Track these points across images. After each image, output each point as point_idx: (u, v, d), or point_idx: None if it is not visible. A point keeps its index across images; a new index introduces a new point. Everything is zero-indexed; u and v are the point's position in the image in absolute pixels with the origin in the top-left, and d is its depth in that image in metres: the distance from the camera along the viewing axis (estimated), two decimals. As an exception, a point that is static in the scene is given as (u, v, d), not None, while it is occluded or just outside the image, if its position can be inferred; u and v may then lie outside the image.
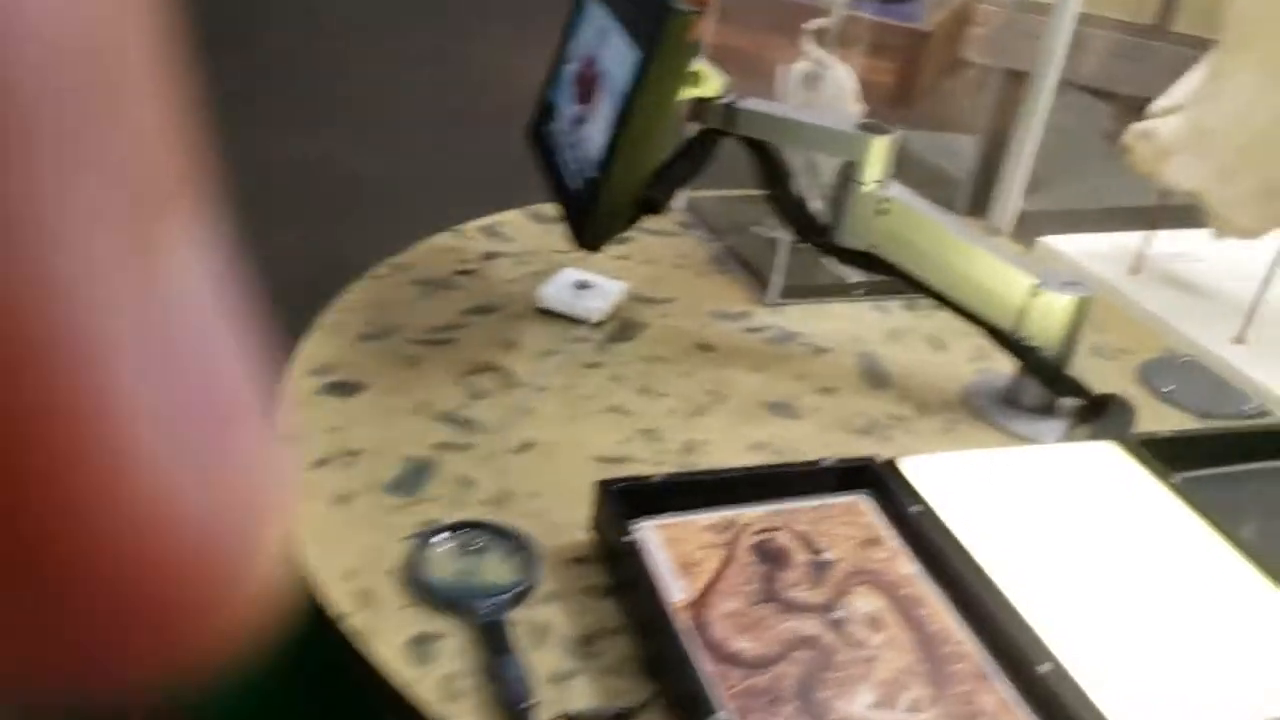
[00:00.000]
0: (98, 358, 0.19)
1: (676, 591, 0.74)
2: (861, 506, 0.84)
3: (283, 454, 0.24)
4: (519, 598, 0.76)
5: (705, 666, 0.69)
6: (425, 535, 0.80)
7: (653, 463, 0.91)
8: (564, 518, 0.82)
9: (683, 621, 0.72)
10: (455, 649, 0.72)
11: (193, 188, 0.21)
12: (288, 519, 0.23)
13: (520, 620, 0.75)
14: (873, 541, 0.81)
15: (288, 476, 0.24)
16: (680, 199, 1.33)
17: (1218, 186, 1.26)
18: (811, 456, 0.94)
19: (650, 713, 0.69)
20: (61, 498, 0.19)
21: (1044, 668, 0.70)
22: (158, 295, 0.20)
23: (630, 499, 0.80)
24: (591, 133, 0.96)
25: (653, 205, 0.98)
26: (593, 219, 0.95)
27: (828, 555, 0.79)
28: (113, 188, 0.19)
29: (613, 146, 0.93)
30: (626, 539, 0.76)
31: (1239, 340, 1.21)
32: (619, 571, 0.77)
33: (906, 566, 0.79)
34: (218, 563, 0.21)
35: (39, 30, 0.18)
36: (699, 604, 0.73)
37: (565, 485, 0.87)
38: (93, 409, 0.19)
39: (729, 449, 0.94)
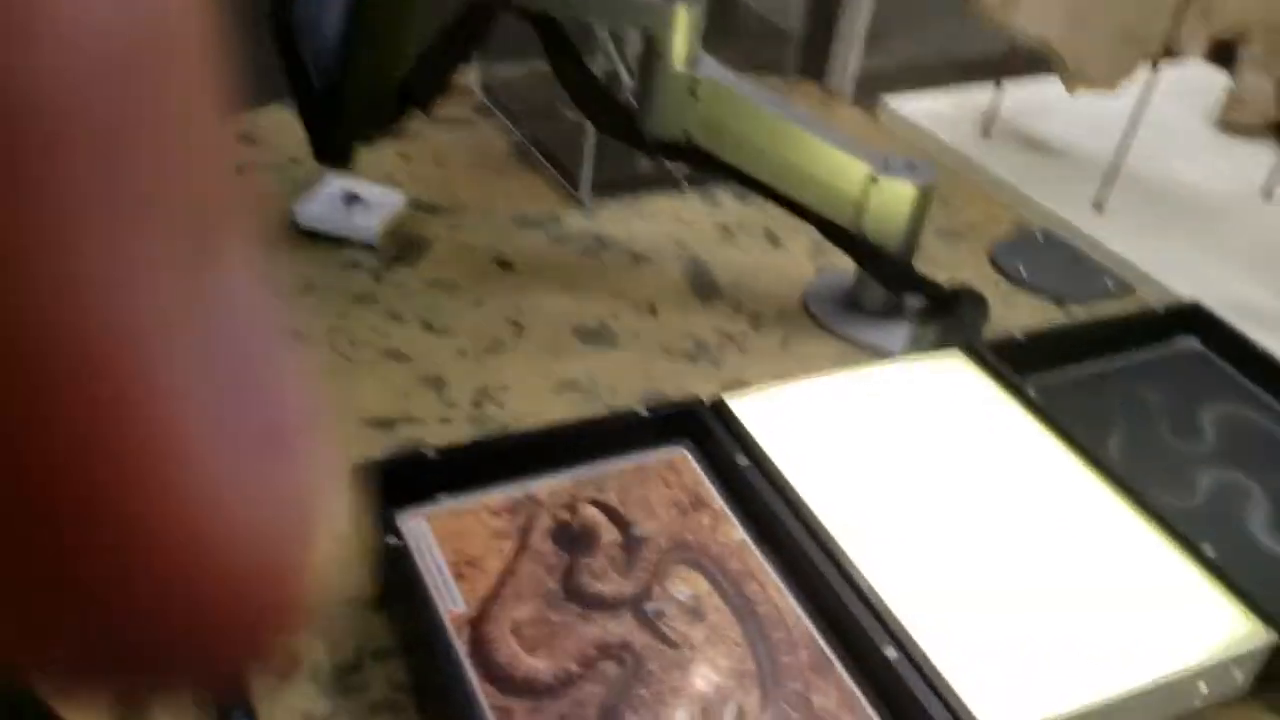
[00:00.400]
0: (154, 372, 0.19)
1: (453, 601, 0.61)
2: (683, 462, 0.71)
3: (328, 474, 0.24)
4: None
5: (485, 702, 0.56)
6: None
7: (437, 421, 0.77)
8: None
9: (460, 641, 0.59)
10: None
11: (245, 204, 0.22)
12: (329, 538, 0.24)
13: (267, 650, 0.61)
14: (695, 505, 0.68)
15: (331, 496, 0.24)
16: (471, 77, 1.15)
17: (1069, 33, 1.14)
18: (631, 392, 0.81)
19: (427, 759, 0.57)
20: (121, 512, 0.19)
21: (889, 652, 0.59)
22: (212, 311, 0.21)
23: (397, 483, 0.66)
24: (329, 14, 0.78)
25: (415, 99, 0.81)
26: (335, 122, 0.77)
27: (641, 530, 0.66)
28: (165, 207, 0.20)
29: (354, 26, 0.75)
30: (389, 541, 0.62)
31: (1097, 206, 1.10)
32: (384, 579, 0.63)
33: (733, 533, 0.67)
34: (264, 577, 0.23)
35: (75, 38, 0.18)
36: (481, 617, 0.60)
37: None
38: (151, 420, 0.19)
39: (531, 395, 0.80)
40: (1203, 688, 0.63)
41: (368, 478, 0.65)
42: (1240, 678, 0.65)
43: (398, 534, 0.62)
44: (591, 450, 0.70)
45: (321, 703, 0.59)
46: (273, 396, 0.23)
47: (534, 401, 0.79)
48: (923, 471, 0.72)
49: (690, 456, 0.72)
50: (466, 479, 0.68)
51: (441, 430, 0.76)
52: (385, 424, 0.76)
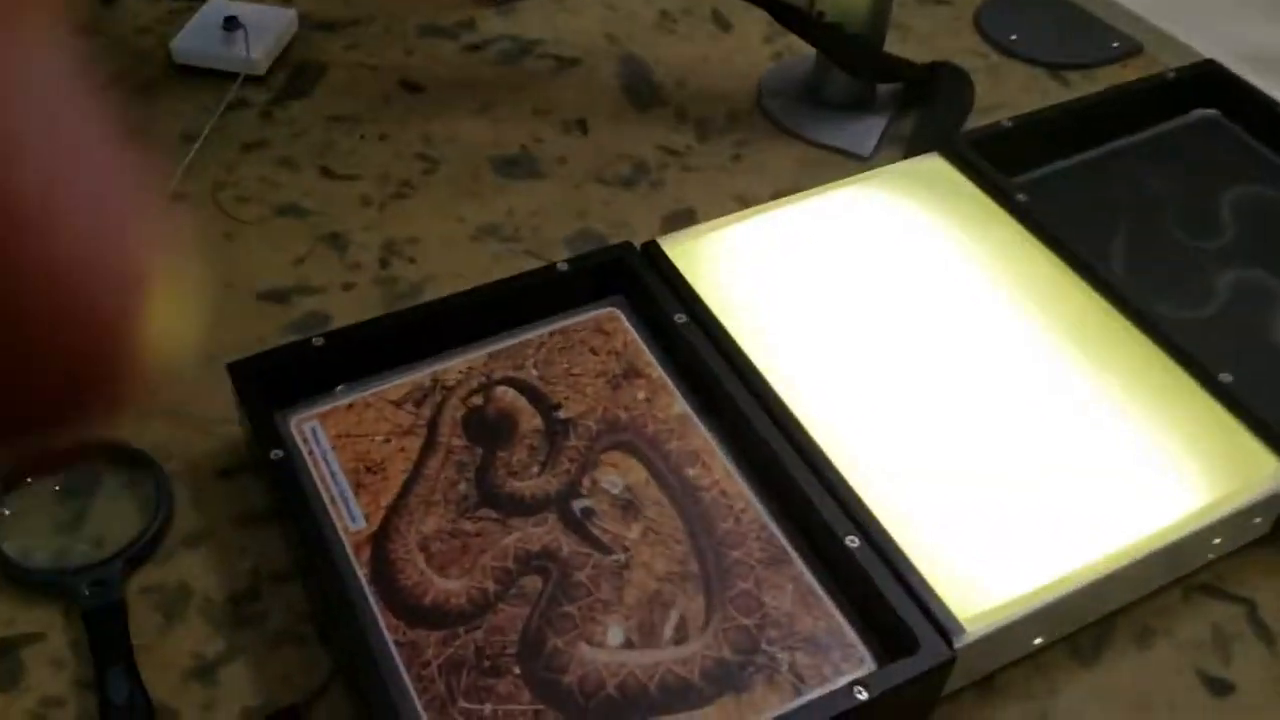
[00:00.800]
0: None
1: (351, 518, 0.53)
2: (613, 323, 0.62)
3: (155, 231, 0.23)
4: (142, 554, 0.55)
5: (389, 638, 0.49)
6: None
7: (340, 288, 0.67)
8: (210, 404, 0.58)
9: (361, 565, 0.51)
10: (58, 655, 0.52)
11: None
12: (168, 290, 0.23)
13: (150, 586, 0.54)
14: (629, 375, 0.59)
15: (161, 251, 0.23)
16: None
17: None
18: (558, 233, 0.71)
19: (333, 698, 0.51)
20: None
21: (851, 541, 0.51)
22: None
23: (283, 380, 0.57)
24: None
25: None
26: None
27: (566, 412, 0.58)
28: None
29: None
30: (273, 455, 0.54)
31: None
32: (273, 495, 0.56)
33: (673, 406, 0.58)
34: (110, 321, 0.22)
35: None
36: (384, 533, 0.53)
37: (212, 347, 0.64)
38: None
39: (445, 246, 0.70)
40: (1217, 540, 0.56)
41: (243, 382, 0.56)
42: (1260, 522, 0.57)
43: (281, 445, 0.54)
44: (505, 318, 0.61)
45: (216, 641, 0.52)
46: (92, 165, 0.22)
47: (448, 254, 0.70)
48: (894, 315, 0.62)
49: (622, 315, 0.62)
50: (364, 363, 0.59)
51: (344, 300, 0.67)
52: (280, 297, 0.67)
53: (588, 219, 0.71)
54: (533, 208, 0.72)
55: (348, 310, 0.66)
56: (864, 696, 0.46)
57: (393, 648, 0.49)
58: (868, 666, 0.49)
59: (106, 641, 0.51)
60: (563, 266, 0.62)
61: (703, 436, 0.57)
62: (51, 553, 0.54)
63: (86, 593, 0.52)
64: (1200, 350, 0.60)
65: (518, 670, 0.48)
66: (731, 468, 0.55)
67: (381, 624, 0.49)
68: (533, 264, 0.69)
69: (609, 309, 0.62)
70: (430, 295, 0.67)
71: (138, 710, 0.48)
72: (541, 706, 0.47)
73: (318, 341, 0.58)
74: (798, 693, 0.48)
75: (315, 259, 0.69)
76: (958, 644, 0.49)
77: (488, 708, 0.47)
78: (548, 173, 0.75)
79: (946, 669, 0.48)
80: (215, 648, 0.52)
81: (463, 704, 0.47)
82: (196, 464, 0.58)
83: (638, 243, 0.64)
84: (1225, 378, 0.59)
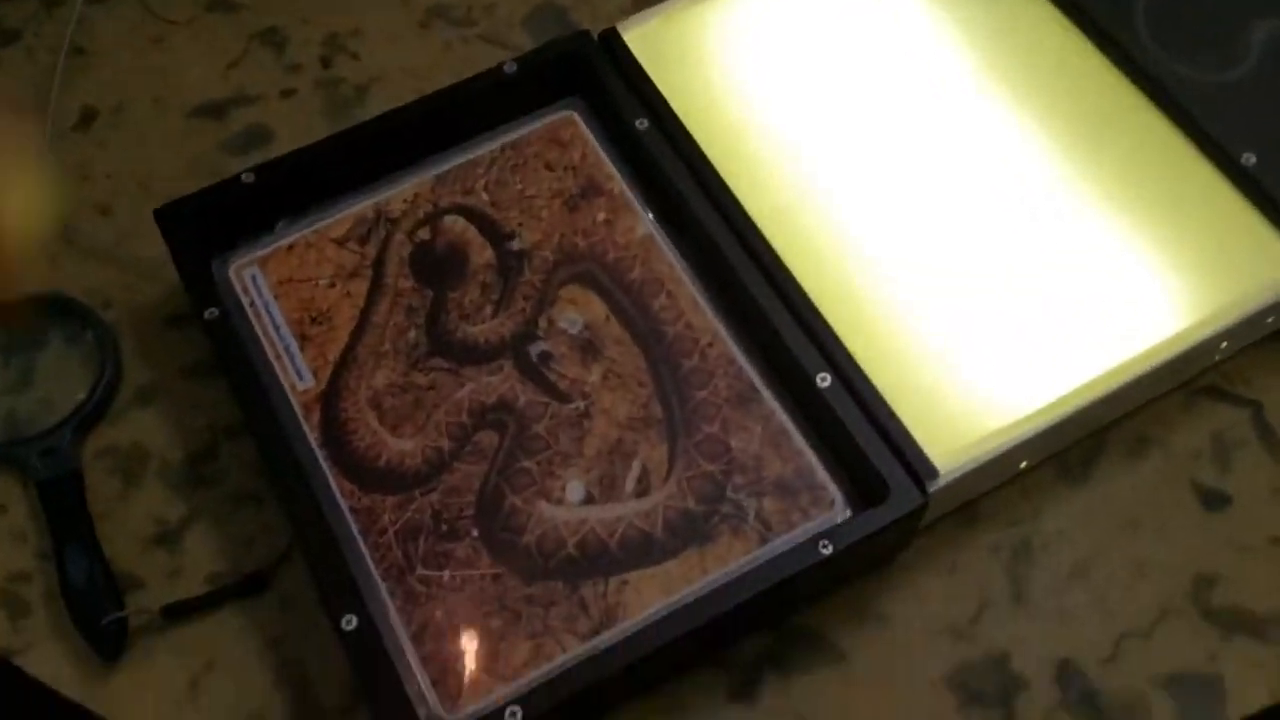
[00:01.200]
0: None
1: (298, 375, 0.51)
2: (570, 129, 0.57)
3: None
4: (93, 416, 0.53)
5: (344, 505, 0.48)
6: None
7: (278, 95, 0.62)
8: (151, 244, 0.55)
9: (311, 428, 0.49)
10: (17, 528, 0.51)
11: None
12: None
13: (105, 449, 0.53)
14: (588, 193, 0.55)
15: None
16: None
17: None
18: (517, 6, 0.64)
19: (298, 561, 0.50)
20: None
21: (822, 379, 0.48)
22: None
23: (216, 223, 0.53)
24: None
25: None
26: None
27: (520, 242, 0.54)
28: None
29: None
30: (207, 315, 0.51)
31: None
32: (216, 355, 0.53)
33: (636, 228, 0.54)
34: None
35: None
36: (333, 390, 0.50)
37: (145, 176, 0.60)
38: None
39: (391, 35, 0.64)
40: (1225, 345, 0.52)
41: (171, 228, 0.52)
42: (1274, 320, 0.53)
43: (217, 301, 0.51)
44: (452, 131, 0.56)
45: (176, 505, 0.51)
46: None
47: (394, 46, 0.63)
48: (880, 109, 0.56)
49: (580, 120, 0.57)
50: (303, 196, 0.55)
51: (285, 110, 0.61)
52: (215, 111, 0.62)
53: (550, -3, 0.64)
54: (486, -12, 0.65)
55: (289, 122, 0.61)
56: (829, 551, 0.45)
57: (348, 515, 0.47)
58: (839, 510, 0.47)
59: (63, 514, 0.50)
60: (510, 68, 0.56)
61: (668, 262, 0.53)
62: (-1, 419, 0.53)
63: (38, 464, 0.51)
64: (1221, 125, 0.54)
65: (475, 532, 0.47)
66: (699, 297, 0.52)
67: (335, 490, 0.48)
68: (489, 52, 0.63)
69: (565, 113, 0.57)
70: (377, 97, 0.62)
71: (98, 590, 0.48)
72: (501, 570, 0.46)
73: (248, 178, 0.53)
74: (764, 540, 0.46)
75: (251, 61, 0.63)
76: (932, 488, 0.46)
77: (446, 574, 0.46)
78: (503, -60, 0.67)
79: (919, 514, 0.46)
80: (176, 512, 0.51)
81: (421, 571, 0.46)
82: (141, 312, 0.56)
83: (601, 26, 0.58)
84: (1248, 159, 0.53)
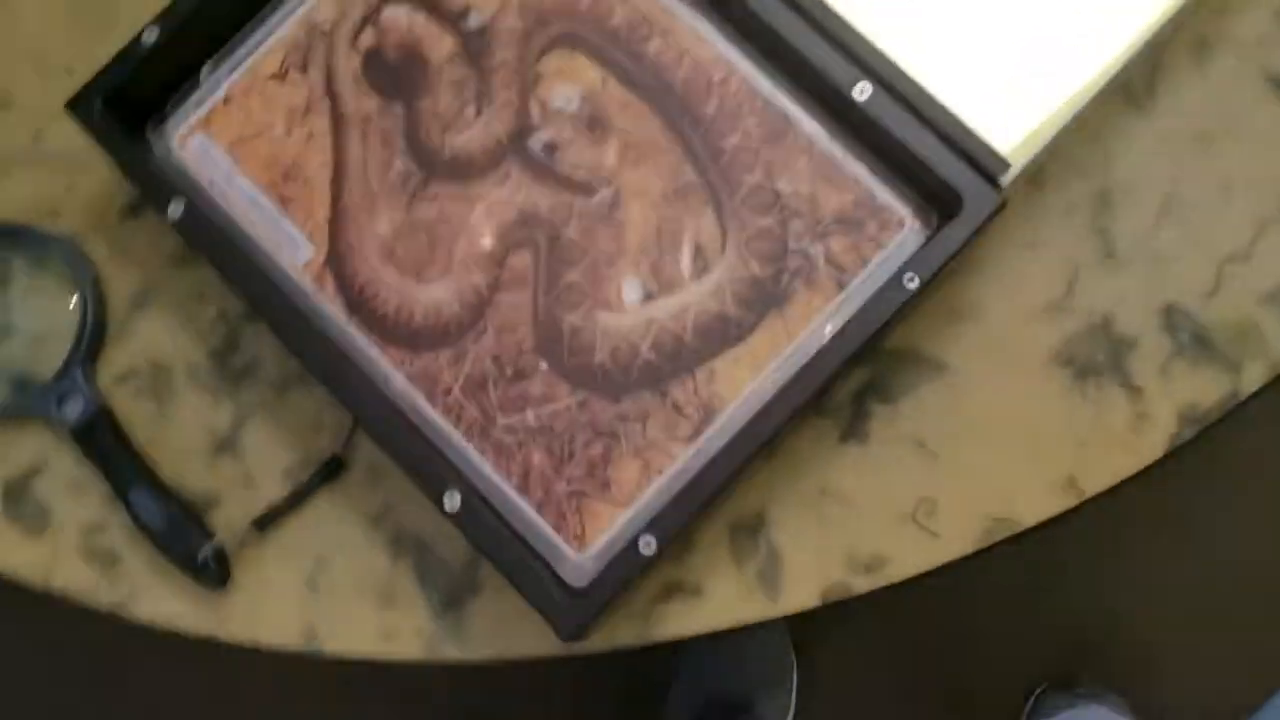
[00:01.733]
0: None
1: (293, 250, 0.45)
2: None
3: None
4: (95, 339, 0.48)
5: (395, 374, 0.44)
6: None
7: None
8: (69, 132, 0.48)
9: (330, 303, 0.45)
10: (71, 479, 0.48)
11: None
12: None
13: (124, 373, 0.49)
14: (532, -67, 0.46)
15: None
16: None
17: None
18: None
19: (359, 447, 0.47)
20: None
21: (860, 90, 0.43)
22: None
23: (137, 98, 0.46)
24: None
25: None
26: None
27: (478, 17, 0.46)
28: None
29: None
30: (172, 208, 0.45)
31: None
32: (197, 256, 0.47)
33: (601, -38, 0.46)
34: None
35: None
36: (337, 254, 0.45)
37: (36, 53, 0.51)
38: None
39: None
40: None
41: (95, 114, 0.45)
42: None
43: (170, 187, 0.45)
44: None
45: (219, 408, 0.48)
46: None
47: None
48: None
49: None
50: (220, 36, 0.47)
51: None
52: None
53: None
54: None
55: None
56: (915, 285, 0.42)
57: (407, 384, 0.44)
58: (911, 229, 0.43)
59: (108, 456, 0.47)
60: None
61: (649, -4, 0.46)
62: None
63: (62, 411, 0.47)
64: None
65: (544, 365, 0.44)
66: (699, 27, 0.45)
67: (383, 364, 0.44)
68: None
69: None
70: None
71: (178, 525, 0.46)
72: (583, 395, 0.44)
73: (151, 37, 0.45)
74: (841, 286, 0.43)
75: None
76: (1006, 181, 0.42)
77: (530, 414, 0.44)
78: None
79: (998, 213, 0.43)
80: (223, 417, 0.48)
81: (503, 420, 0.44)
82: (95, 210, 0.50)
83: None
84: None
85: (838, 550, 0.45)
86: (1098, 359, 0.46)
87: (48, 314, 0.49)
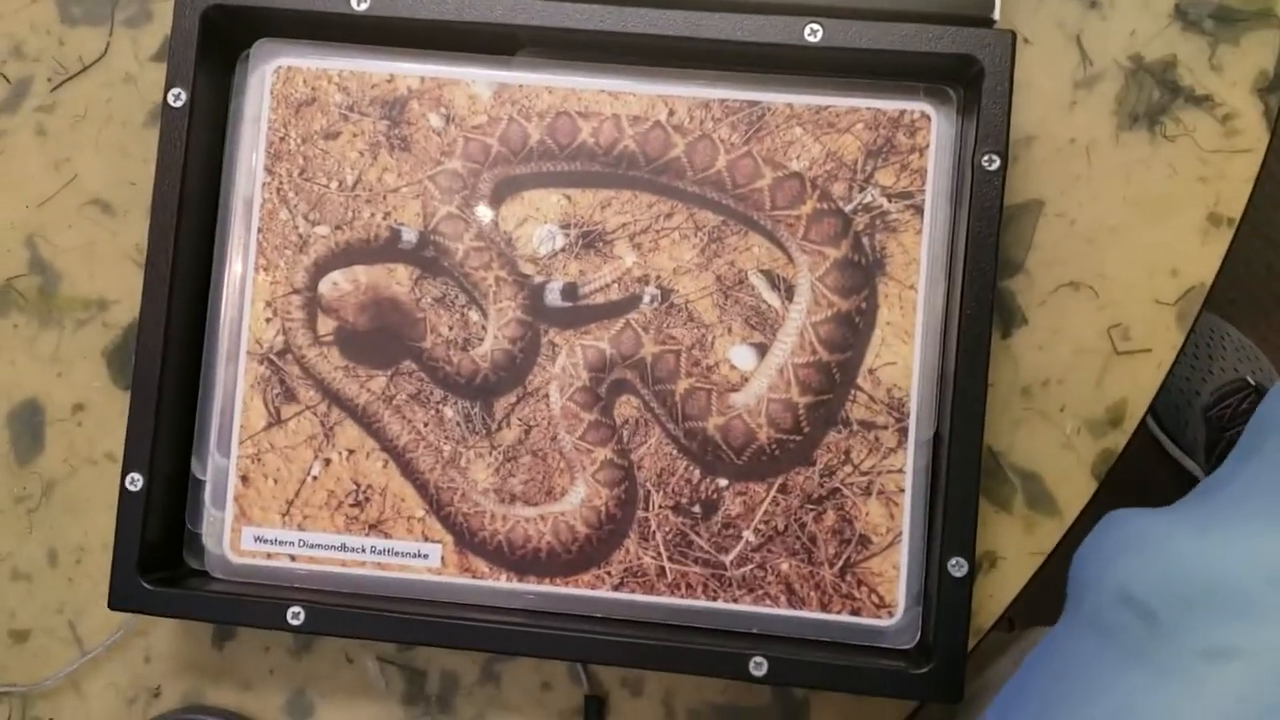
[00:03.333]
0: None
1: (419, 563, 0.41)
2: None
3: None
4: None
5: (586, 599, 0.40)
6: None
7: None
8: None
9: (486, 581, 0.40)
10: None
11: None
12: None
13: (338, 781, 0.44)
14: (335, 125, 0.41)
15: None
16: None
17: None
18: None
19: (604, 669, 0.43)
20: None
21: (811, 33, 0.39)
22: None
23: (154, 546, 0.40)
24: None
25: None
26: None
27: (410, 231, 0.41)
28: None
29: None
30: (286, 616, 0.39)
31: None
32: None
33: (468, 85, 0.41)
34: None
35: None
36: (460, 532, 0.40)
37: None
38: None
39: None
40: None
41: (131, 586, 0.40)
42: None
43: (272, 613, 0.40)
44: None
45: (451, 742, 0.43)
46: None
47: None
48: None
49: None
50: (188, 432, 0.41)
51: None
52: None
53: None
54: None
55: None
56: (997, 164, 0.38)
57: (616, 594, 0.40)
58: (938, 114, 0.40)
59: None
60: None
61: (543, 88, 0.41)
62: None
63: None
64: None
65: (723, 481, 0.40)
66: (605, 83, 0.41)
67: (581, 593, 0.40)
68: None
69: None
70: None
71: None
72: (778, 479, 0.40)
73: (135, 486, 0.40)
74: (919, 210, 0.40)
75: None
76: (996, 14, 0.39)
77: (747, 534, 0.40)
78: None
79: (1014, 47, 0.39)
80: (460, 745, 0.43)
81: (729, 557, 0.40)
82: (187, 662, 0.44)
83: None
84: None
85: (1073, 429, 0.43)
86: (1154, 97, 0.43)
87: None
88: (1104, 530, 0.32)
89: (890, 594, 0.39)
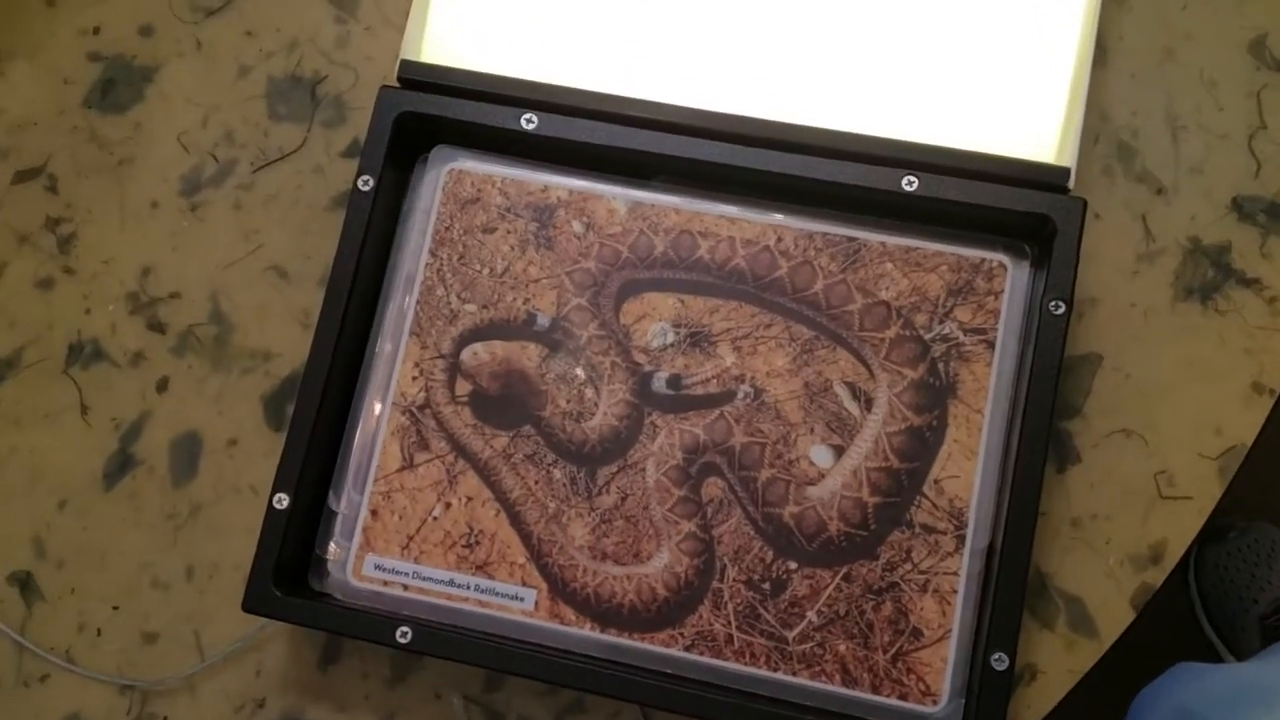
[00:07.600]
0: None
1: (515, 604, 0.46)
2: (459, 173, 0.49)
3: None
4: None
5: (659, 656, 0.45)
6: None
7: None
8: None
9: (571, 629, 0.45)
10: None
11: None
12: None
13: (411, 806, 0.48)
14: (541, 218, 0.48)
15: None
16: None
17: None
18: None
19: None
20: None
21: (908, 184, 0.46)
22: None
23: (289, 562, 0.46)
24: None
25: None
26: None
27: (545, 317, 0.48)
28: None
29: None
30: (395, 636, 0.44)
31: None
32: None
33: (615, 207, 0.48)
34: None
35: None
36: (555, 582, 0.46)
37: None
38: None
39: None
40: None
41: (267, 597, 0.45)
42: None
43: (383, 630, 0.45)
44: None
45: None
46: None
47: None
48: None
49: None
50: (328, 470, 0.47)
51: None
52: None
53: None
54: None
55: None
56: (1063, 309, 0.44)
57: (687, 655, 0.45)
58: (1014, 266, 0.46)
59: None
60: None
61: (668, 210, 0.48)
62: None
63: None
64: None
65: (793, 564, 0.45)
66: (726, 209, 0.48)
67: (656, 652, 0.45)
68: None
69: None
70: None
71: None
72: (843, 568, 0.44)
73: (281, 505, 0.46)
74: (990, 345, 0.45)
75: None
76: (1071, 182, 0.46)
77: (811, 614, 0.44)
78: None
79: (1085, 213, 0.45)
80: None
81: (793, 634, 0.44)
82: (296, 682, 0.49)
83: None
84: None
85: (1116, 560, 0.47)
86: (1208, 275, 0.49)
87: None
88: (1172, 674, 0.36)
89: (937, 683, 0.43)
